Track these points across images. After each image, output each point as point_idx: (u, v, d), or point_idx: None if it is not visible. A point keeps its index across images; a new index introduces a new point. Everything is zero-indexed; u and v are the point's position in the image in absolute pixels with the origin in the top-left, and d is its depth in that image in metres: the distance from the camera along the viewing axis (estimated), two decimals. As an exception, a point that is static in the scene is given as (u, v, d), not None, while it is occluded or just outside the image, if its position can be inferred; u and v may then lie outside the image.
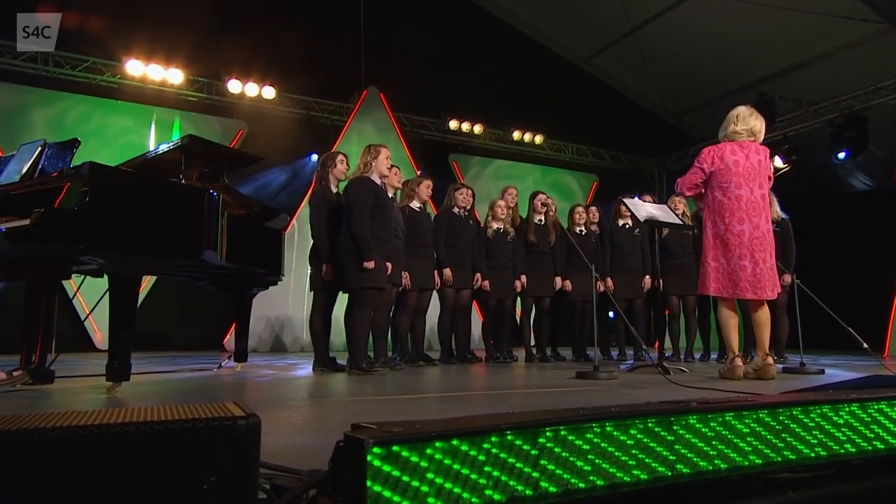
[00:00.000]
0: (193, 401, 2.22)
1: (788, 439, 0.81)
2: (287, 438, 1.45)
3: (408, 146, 8.50)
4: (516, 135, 9.35)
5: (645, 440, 0.72)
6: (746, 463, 0.77)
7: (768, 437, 0.80)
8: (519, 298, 5.38)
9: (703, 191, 3.54)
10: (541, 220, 5.27)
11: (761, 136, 3.46)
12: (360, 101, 8.28)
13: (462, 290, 4.95)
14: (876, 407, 0.89)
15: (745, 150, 3.43)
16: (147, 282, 6.67)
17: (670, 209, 4.62)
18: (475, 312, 5.50)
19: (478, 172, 9.37)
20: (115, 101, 6.88)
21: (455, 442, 0.61)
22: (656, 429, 0.73)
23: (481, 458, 0.62)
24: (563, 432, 0.67)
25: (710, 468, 0.75)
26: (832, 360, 5.35)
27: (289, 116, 8.05)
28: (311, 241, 4.16)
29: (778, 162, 8.39)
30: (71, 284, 4.06)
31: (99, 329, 6.50)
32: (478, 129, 9.06)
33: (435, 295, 4.90)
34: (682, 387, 2.70)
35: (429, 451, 0.60)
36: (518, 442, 0.64)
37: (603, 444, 0.69)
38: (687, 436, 0.74)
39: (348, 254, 3.77)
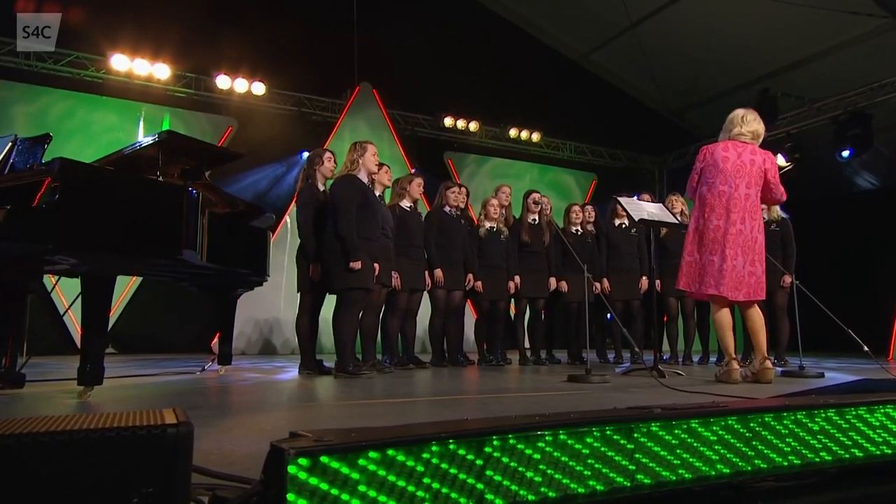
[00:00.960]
0: (166, 405, 2.19)
1: (759, 447, 0.79)
2: (253, 445, 1.42)
3: (401, 144, 8.47)
4: (513, 132, 9.32)
5: (602, 449, 0.69)
6: (713, 473, 0.74)
7: (737, 445, 0.78)
8: (513, 300, 5.35)
9: None
10: (535, 220, 5.25)
11: (760, 140, 3.46)
12: (353, 97, 8.25)
13: (454, 291, 4.92)
14: (854, 413, 0.86)
15: (739, 149, 3.41)
16: (133, 282, 6.65)
17: (667, 208, 4.59)
18: (470, 314, 5.47)
19: (473, 171, 9.35)
20: (100, 96, 6.85)
21: (391, 452, 0.58)
22: (615, 437, 0.70)
23: (420, 468, 0.59)
24: (511, 441, 0.64)
25: (674, 478, 0.72)
26: (835, 364, 5.33)
27: (279, 113, 8.02)
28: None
29: (780, 160, 8.38)
30: (50, 279, 4.03)
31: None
32: (473, 126, 9.03)
33: (426, 296, 4.87)
34: (674, 390, 2.67)
35: (362, 461, 0.57)
36: (461, 451, 0.61)
37: (556, 454, 0.66)
38: (648, 444, 0.72)
39: (334, 254, 3.74)
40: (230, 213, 3.95)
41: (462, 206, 5.09)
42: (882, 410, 0.88)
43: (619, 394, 2.63)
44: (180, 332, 6.99)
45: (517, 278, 5.10)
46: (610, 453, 0.69)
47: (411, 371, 4.41)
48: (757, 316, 3.30)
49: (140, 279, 6.47)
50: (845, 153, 7.85)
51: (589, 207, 5.67)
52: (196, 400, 2.48)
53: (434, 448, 0.60)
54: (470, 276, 4.94)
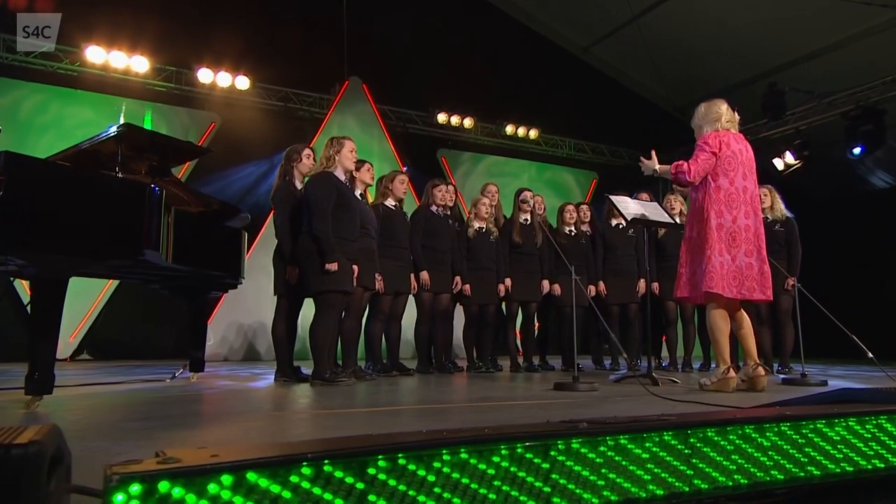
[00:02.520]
0: (118, 416, 2.14)
1: (700, 465, 0.73)
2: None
3: (392, 141, 8.43)
4: (509, 129, 9.28)
5: (513, 469, 0.64)
6: (644, 494, 0.69)
7: (674, 463, 0.72)
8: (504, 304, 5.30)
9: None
10: (526, 220, 5.20)
11: None
12: (341, 92, 8.21)
13: (441, 294, 4.87)
14: (812, 427, 0.81)
15: (743, 142, 3.40)
16: (108, 286, 6.60)
17: (663, 208, 4.54)
18: (459, 318, 5.42)
19: (468, 169, 9.30)
20: (75, 90, 6.81)
21: (252, 476, 0.53)
22: (528, 455, 0.65)
23: (287, 495, 0.54)
24: (401, 461, 0.59)
25: (596, 500, 0.67)
26: (842, 371, 5.27)
27: (264, 108, 7.98)
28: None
29: (789, 158, 8.33)
30: (22, 283, 3.96)
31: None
32: (468, 122, 8.99)
33: (412, 300, 4.83)
34: (663, 399, 2.62)
35: (213, 488, 0.52)
36: (338, 474, 0.56)
37: (454, 475, 0.61)
38: (568, 463, 0.67)
39: (309, 255, 3.69)
40: (203, 212, 3.92)
41: (450, 204, 5.05)
42: (843, 424, 0.83)
43: (603, 403, 2.58)
44: (159, 337, 6.94)
45: (507, 281, 5.05)
46: (521, 474, 0.64)
47: (394, 378, 4.36)
48: (746, 319, 3.25)
49: (116, 282, 6.45)
50: (856, 150, 7.79)
51: (584, 207, 5.62)
52: (152, 410, 2.43)
53: (305, 470, 0.55)
54: (457, 278, 4.89)
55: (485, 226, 5.08)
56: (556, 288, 5.17)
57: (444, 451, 0.61)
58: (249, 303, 7.10)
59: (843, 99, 8.00)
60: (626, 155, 10.29)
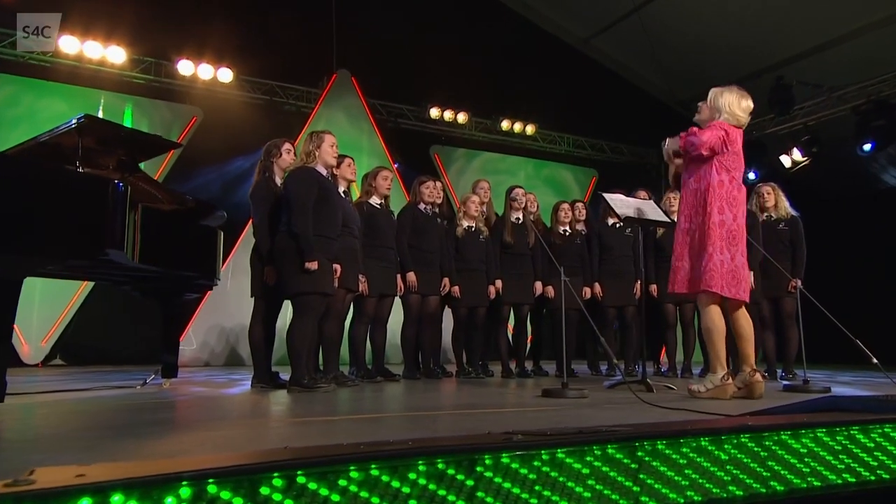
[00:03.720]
0: (73, 426, 2.10)
1: (648, 481, 0.69)
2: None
3: (383, 137, 8.40)
4: (505, 124, 9.25)
5: (431, 487, 0.60)
6: (583, 512, 0.65)
7: (619, 479, 0.68)
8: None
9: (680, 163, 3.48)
10: (518, 219, 5.16)
11: None
12: (329, 85, 8.19)
13: (429, 296, 4.84)
14: (775, 438, 0.77)
15: (741, 139, 3.38)
16: (83, 288, 6.56)
17: (662, 207, 4.51)
18: (448, 321, 5.38)
19: (462, 166, 9.27)
20: (48, 82, 6.76)
21: (118, 498, 0.49)
22: (449, 471, 0.61)
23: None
24: (300, 479, 0.55)
25: (527, 521, 0.63)
26: (850, 378, 5.24)
27: (249, 102, 7.95)
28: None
29: (797, 155, 8.30)
30: None
31: (26, 340, 6.37)
32: (462, 117, 8.96)
33: (398, 303, 4.79)
34: (655, 407, 2.58)
35: (85, 501, 0.48)
36: (225, 495, 0.52)
37: (362, 494, 0.57)
38: (496, 479, 0.63)
39: (288, 254, 3.65)
40: (176, 210, 3.88)
41: (438, 202, 5.01)
42: (810, 435, 0.79)
43: (590, 411, 2.54)
44: (136, 341, 6.89)
45: (498, 282, 5.01)
46: (441, 492, 0.60)
47: (379, 384, 4.32)
48: (747, 321, 3.22)
49: (91, 284, 6.40)
50: (867, 146, 7.76)
51: (579, 205, 5.59)
52: (110, 419, 2.40)
53: (184, 491, 0.51)
54: (446, 280, 4.86)
55: (474, 224, 5.04)
56: (550, 290, 5.13)
57: (353, 467, 0.57)
58: (232, 305, 7.05)
59: (854, 93, 7.98)
60: (627, 152, 10.27)
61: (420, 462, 0.60)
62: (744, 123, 3.36)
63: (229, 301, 7.03)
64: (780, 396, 3.29)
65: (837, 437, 0.84)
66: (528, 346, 5.58)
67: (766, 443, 0.77)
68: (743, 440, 0.75)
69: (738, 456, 0.75)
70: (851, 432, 0.85)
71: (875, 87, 7.80)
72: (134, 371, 5.74)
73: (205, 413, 2.64)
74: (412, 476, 0.60)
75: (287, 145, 4.19)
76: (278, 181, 4.08)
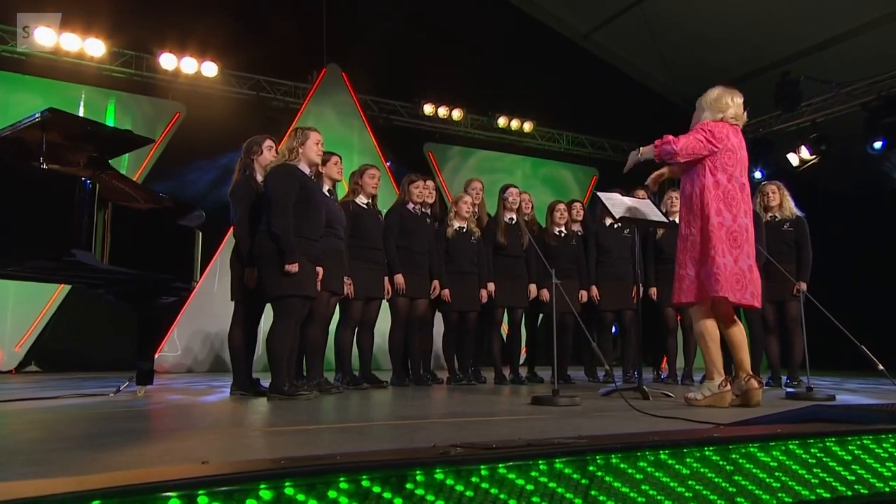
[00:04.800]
0: (28, 438, 2.06)
1: (600, 499, 0.66)
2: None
3: (374, 134, 8.38)
4: (502, 122, 9.23)
5: (354, 504, 0.57)
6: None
7: (568, 496, 0.65)
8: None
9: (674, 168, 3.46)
10: (512, 219, 5.13)
11: None
12: (319, 80, 8.16)
13: (417, 299, 4.81)
14: (743, 451, 0.74)
15: (740, 137, 3.37)
16: (59, 292, 6.52)
17: (662, 207, 4.49)
18: (439, 326, 5.35)
19: (457, 165, 9.24)
20: (22, 75, 6.72)
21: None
22: (374, 489, 0.58)
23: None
24: (201, 499, 0.52)
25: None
26: (858, 385, 5.21)
27: (234, 97, 7.92)
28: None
29: (805, 153, 8.28)
30: None
31: (-1, 345, 6.33)
32: (457, 114, 8.94)
33: (386, 306, 4.76)
34: (646, 415, 2.56)
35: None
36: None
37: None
38: (429, 497, 0.59)
39: (268, 256, 3.62)
40: (152, 209, 3.86)
41: (429, 202, 4.99)
42: (782, 448, 0.76)
43: (578, 419, 2.51)
44: (115, 347, 6.84)
45: (491, 286, 4.99)
46: (366, 510, 0.57)
47: (365, 391, 4.29)
48: (739, 327, 3.22)
49: (68, 287, 6.37)
50: (877, 144, 7.76)
51: (577, 205, 5.56)
52: (73, 429, 2.36)
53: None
54: (436, 282, 4.83)
55: (465, 225, 5.01)
56: (545, 293, 5.10)
57: (263, 486, 0.54)
58: (216, 309, 7.01)
59: (864, 89, 7.97)
60: (629, 150, 10.24)
61: (342, 479, 0.56)
62: (733, 117, 3.32)
63: (214, 305, 7.00)
64: (779, 404, 3.26)
65: (812, 450, 0.81)
66: (523, 351, 5.56)
67: (733, 456, 0.73)
68: (707, 453, 0.72)
69: (702, 470, 0.72)
70: (827, 444, 0.82)
71: (885, 82, 7.79)
72: (111, 378, 5.70)
73: (174, 422, 2.60)
74: (332, 494, 0.57)
75: (268, 142, 4.16)
76: (259, 179, 4.05)
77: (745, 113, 3.43)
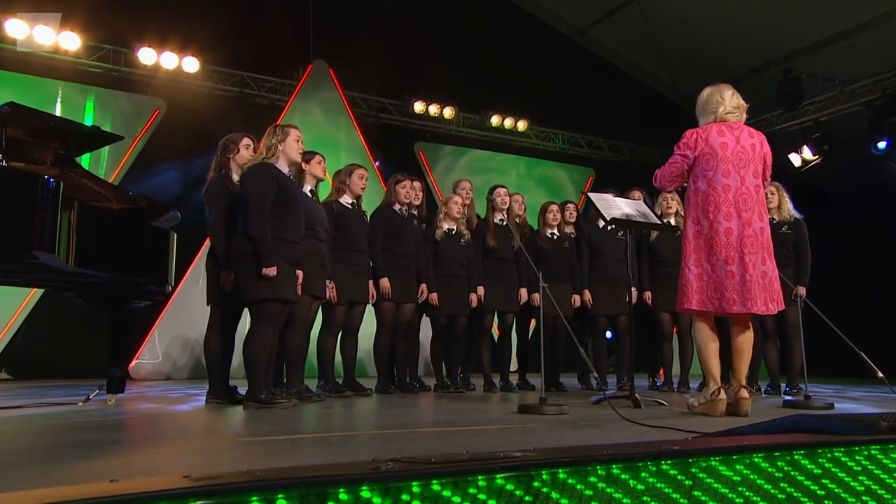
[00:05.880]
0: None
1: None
2: None
3: (362, 132, 8.35)
4: (495, 120, 9.21)
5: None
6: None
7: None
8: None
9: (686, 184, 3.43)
10: (502, 220, 5.11)
11: (745, 114, 3.37)
12: (305, 76, 8.13)
13: (404, 304, 4.78)
14: (703, 465, 0.71)
15: (736, 131, 3.30)
16: (31, 296, 6.46)
17: (652, 208, 4.48)
18: (427, 331, 5.33)
19: (449, 164, 9.22)
20: (-5, 70, 6.69)
21: None
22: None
23: None
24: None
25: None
26: (861, 393, 5.20)
27: (217, 94, 7.88)
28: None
29: (807, 153, 8.29)
30: None
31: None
32: (449, 112, 8.91)
33: (371, 311, 4.73)
34: (637, 425, 2.54)
35: None
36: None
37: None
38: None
39: (244, 258, 3.59)
40: (124, 210, 3.83)
41: (416, 203, 4.96)
42: (746, 461, 0.73)
43: (564, 430, 2.48)
44: (90, 353, 6.77)
45: (480, 289, 4.96)
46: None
47: (348, 399, 4.27)
48: (748, 338, 3.19)
49: (41, 290, 6.31)
50: (882, 144, 7.77)
51: (570, 206, 5.54)
52: (32, 441, 2.33)
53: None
54: (423, 286, 4.81)
55: (455, 227, 4.99)
56: (536, 297, 5.07)
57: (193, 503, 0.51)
58: (196, 315, 6.94)
59: (868, 87, 7.98)
60: (627, 149, 10.25)
61: (254, 499, 0.54)
62: (728, 112, 3.29)
63: (194, 310, 6.93)
64: (773, 413, 3.22)
65: (778, 463, 0.78)
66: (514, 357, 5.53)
67: (693, 470, 0.71)
68: (664, 467, 0.69)
69: (658, 486, 0.69)
70: (795, 457, 0.79)
71: (890, 80, 7.80)
72: (85, 385, 5.64)
73: (139, 433, 2.57)
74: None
75: (246, 140, 4.12)
76: (235, 178, 4.02)
77: (732, 100, 3.33)
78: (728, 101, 3.31)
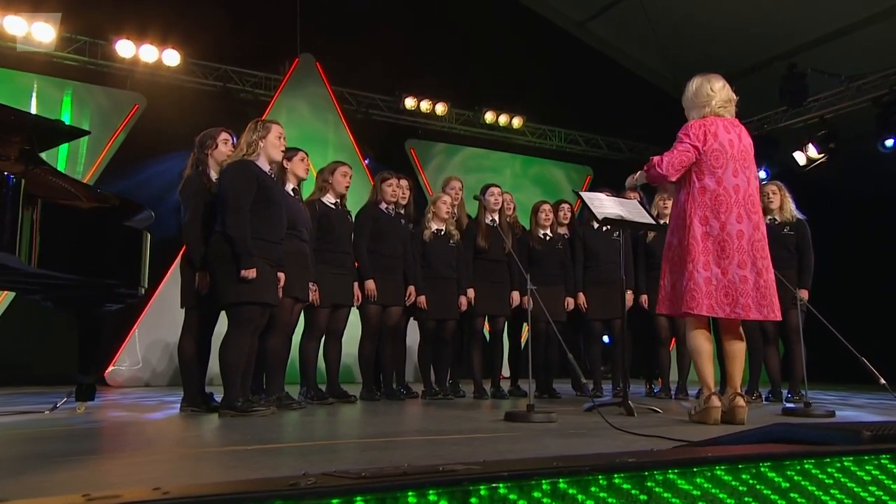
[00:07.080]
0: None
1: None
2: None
3: (351, 129, 8.32)
4: (489, 117, 9.19)
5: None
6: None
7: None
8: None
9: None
10: (493, 221, 5.09)
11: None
12: (291, 71, 8.10)
13: (391, 307, 4.75)
14: (660, 478, 0.69)
15: (737, 129, 3.32)
16: (2, 299, 6.41)
17: (650, 208, 4.46)
18: (414, 336, 5.30)
19: (441, 163, 9.20)
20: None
21: None
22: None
23: None
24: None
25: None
26: (865, 400, 5.19)
27: (199, 89, 7.85)
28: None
29: (812, 151, 8.29)
30: None
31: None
32: (441, 108, 8.90)
33: (356, 314, 4.71)
34: (624, 433, 2.51)
35: None
36: None
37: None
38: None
39: (222, 260, 3.56)
40: (95, 208, 3.79)
41: (402, 202, 4.94)
42: (707, 474, 0.71)
43: (549, 438, 2.46)
44: (63, 359, 6.72)
45: (470, 292, 4.94)
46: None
47: (330, 407, 4.24)
48: (741, 344, 3.20)
49: (11, 295, 6.26)
50: (889, 142, 7.77)
51: (565, 206, 5.53)
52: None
53: None
54: (411, 289, 4.78)
55: (444, 228, 4.97)
56: (527, 301, 5.05)
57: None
58: (178, 318, 6.90)
59: (875, 83, 7.98)
60: (626, 147, 10.24)
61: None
62: (721, 106, 3.27)
63: (174, 314, 6.86)
64: (771, 420, 3.23)
65: (742, 476, 0.75)
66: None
67: (648, 484, 0.68)
68: (616, 481, 0.67)
69: (609, 501, 0.66)
70: (761, 470, 0.77)
71: (897, 76, 7.81)
72: (55, 393, 5.60)
73: (106, 443, 2.54)
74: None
75: (224, 135, 4.08)
76: (213, 176, 3.99)
77: (723, 92, 3.29)
78: (719, 93, 3.29)
